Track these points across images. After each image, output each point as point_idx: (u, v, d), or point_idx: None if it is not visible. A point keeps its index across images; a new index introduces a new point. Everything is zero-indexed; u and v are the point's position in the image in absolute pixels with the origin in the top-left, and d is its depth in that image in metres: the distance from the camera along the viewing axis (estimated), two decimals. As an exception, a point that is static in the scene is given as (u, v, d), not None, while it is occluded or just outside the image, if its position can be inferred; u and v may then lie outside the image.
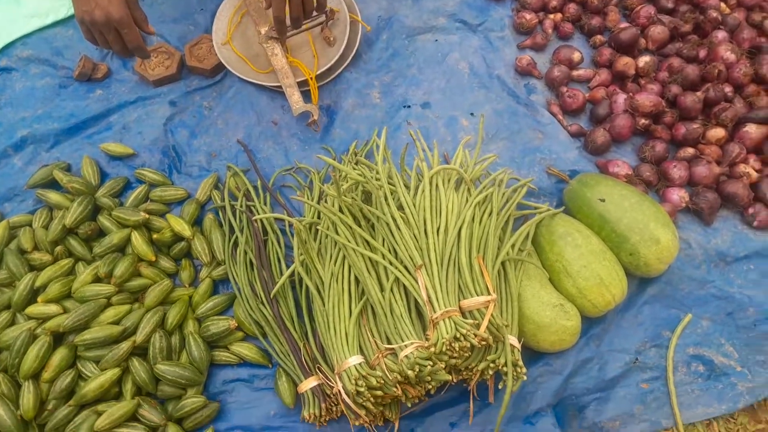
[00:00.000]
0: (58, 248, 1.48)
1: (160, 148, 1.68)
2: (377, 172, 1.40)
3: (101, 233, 1.53)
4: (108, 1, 1.29)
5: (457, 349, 1.15)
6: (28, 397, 1.30)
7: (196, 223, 1.57)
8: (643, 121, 1.65)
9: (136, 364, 1.34)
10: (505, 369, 1.19)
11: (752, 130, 1.60)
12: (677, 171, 1.58)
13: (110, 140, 1.69)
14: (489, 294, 1.23)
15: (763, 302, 1.48)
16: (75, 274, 1.46)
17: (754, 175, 1.57)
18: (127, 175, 1.64)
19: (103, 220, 1.51)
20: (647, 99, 1.64)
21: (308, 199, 1.51)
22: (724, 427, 1.42)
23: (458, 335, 1.15)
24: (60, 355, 1.33)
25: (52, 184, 1.60)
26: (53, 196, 1.55)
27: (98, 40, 1.37)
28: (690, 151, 1.62)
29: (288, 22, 1.56)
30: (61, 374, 1.33)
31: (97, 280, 1.43)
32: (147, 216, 1.51)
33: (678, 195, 1.56)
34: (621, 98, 1.68)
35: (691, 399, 1.42)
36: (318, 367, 1.33)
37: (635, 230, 1.40)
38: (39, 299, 1.40)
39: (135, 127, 1.71)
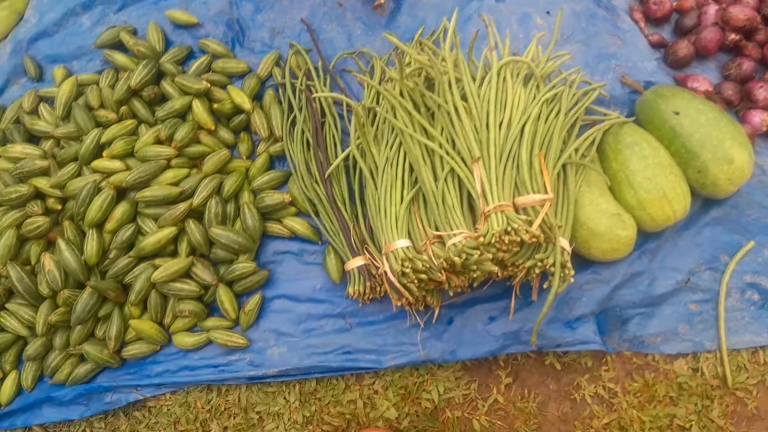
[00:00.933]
0: (123, 108, 1.51)
1: (224, 20, 1.66)
2: (443, 59, 1.35)
3: (164, 98, 1.55)
4: None
5: (507, 242, 1.14)
6: (91, 244, 1.37)
7: (257, 98, 1.57)
8: (733, 36, 1.53)
9: (192, 225, 1.39)
10: (552, 269, 1.19)
11: None
12: (763, 92, 1.47)
13: (176, 8, 1.68)
14: (546, 193, 1.21)
15: (833, 237, 1.41)
16: (138, 135, 1.49)
17: None
18: (191, 44, 1.64)
19: (166, 86, 1.53)
20: (741, 12, 1.51)
21: (369, 80, 1.48)
22: (768, 357, 1.40)
23: (509, 229, 1.14)
24: (122, 208, 1.39)
25: (119, 46, 1.62)
26: (119, 58, 1.56)
27: None
28: (780, 72, 1.51)
29: None
30: (122, 227, 1.39)
31: (158, 142, 1.47)
32: (209, 85, 1.51)
33: (760, 117, 1.46)
34: (712, 9, 1.56)
35: (740, 325, 1.39)
36: (366, 248, 1.35)
37: (708, 147, 1.33)
38: (104, 154, 1.44)
39: (201, -4, 1.69)
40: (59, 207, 1.42)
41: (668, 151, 1.38)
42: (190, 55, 1.63)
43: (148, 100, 1.52)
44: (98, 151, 1.46)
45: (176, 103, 1.49)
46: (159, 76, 1.56)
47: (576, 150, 1.34)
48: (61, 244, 1.35)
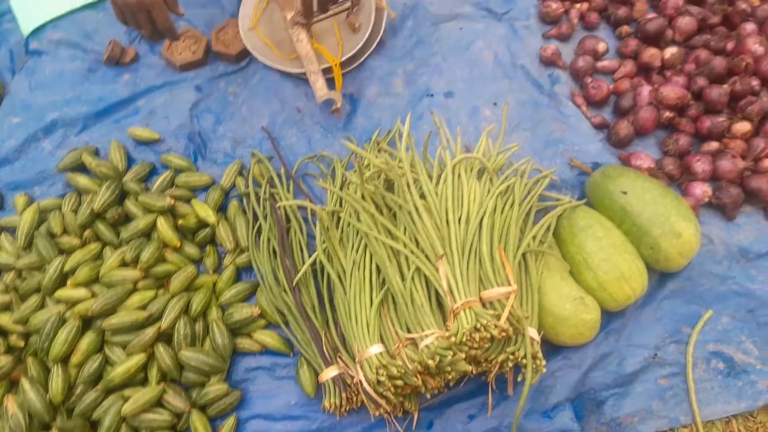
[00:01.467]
0: (87, 232, 1.52)
1: (185, 133, 1.70)
2: (400, 160, 1.41)
3: (128, 218, 1.56)
4: None
5: (477, 339, 1.17)
6: (56, 380, 1.33)
7: (221, 209, 1.59)
8: (667, 113, 1.64)
9: (161, 349, 1.37)
10: (524, 361, 1.21)
11: (780, 125, 1.58)
12: (701, 165, 1.56)
13: (137, 125, 1.72)
14: (510, 285, 1.24)
15: (785, 299, 1.47)
16: (102, 259, 1.49)
17: (780, 170, 1.55)
18: (153, 161, 1.67)
19: (130, 205, 1.54)
20: (672, 91, 1.62)
21: (331, 186, 1.53)
22: (744, 425, 1.42)
23: (478, 326, 1.16)
24: (88, 339, 1.37)
25: (81, 168, 1.64)
26: (82, 180, 1.58)
27: (129, 21, 1.40)
28: (714, 145, 1.61)
29: (315, 6, 1.56)
30: (89, 358, 1.37)
31: (123, 265, 1.46)
32: (173, 201, 1.53)
33: (701, 189, 1.55)
34: (646, 90, 1.67)
35: (710, 396, 1.42)
36: (339, 357, 1.35)
37: (657, 223, 1.39)
38: (69, 283, 1.43)
39: (161, 111, 1.73)
40: (22, 344, 1.40)
41: (621, 229, 1.45)
42: (153, 171, 1.66)
43: (112, 221, 1.53)
44: (62, 279, 1.45)
45: (140, 222, 1.50)
46: (122, 195, 1.57)
47: (534, 237, 1.39)
48: (25, 383, 1.31)
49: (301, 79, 1.76)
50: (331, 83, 1.70)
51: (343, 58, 1.71)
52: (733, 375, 1.43)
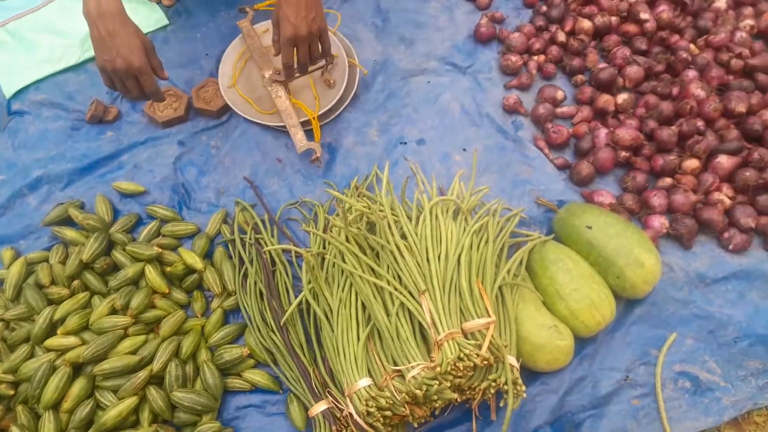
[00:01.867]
0: (75, 282, 1.55)
1: (170, 185, 1.77)
2: (380, 204, 1.49)
3: (116, 268, 1.60)
4: (129, 50, 1.39)
5: (461, 368, 1.24)
6: (48, 427, 1.34)
7: (207, 256, 1.65)
8: (623, 153, 1.78)
9: (153, 392, 1.40)
10: (505, 387, 1.28)
11: (724, 161, 1.73)
12: (657, 199, 1.69)
13: (122, 179, 1.77)
14: (489, 316, 1.32)
15: (742, 320, 1.58)
16: (92, 308, 1.52)
17: (728, 202, 1.69)
18: (139, 212, 1.72)
19: (118, 255, 1.59)
20: (627, 133, 1.77)
21: (315, 230, 1.60)
22: (712, 439, 1.51)
23: (462, 355, 1.23)
24: (79, 385, 1.39)
25: (67, 222, 1.68)
26: (69, 233, 1.62)
27: (117, 86, 1.47)
28: (668, 180, 1.74)
29: (296, 70, 1.67)
30: (80, 404, 1.38)
31: (113, 312, 1.50)
32: (160, 250, 1.58)
33: (659, 222, 1.67)
34: (602, 133, 1.81)
35: (679, 413, 1.50)
36: (328, 391, 1.39)
37: (621, 255, 1.50)
38: (59, 331, 1.45)
39: (145, 166, 1.80)
40: (12, 392, 1.41)
41: (588, 261, 1.55)
42: (139, 222, 1.71)
43: (100, 271, 1.56)
44: (51, 329, 1.48)
45: (129, 271, 1.54)
46: (110, 246, 1.61)
47: (508, 271, 1.48)
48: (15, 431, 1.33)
49: (281, 131, 1.86)
50: (309, 135, 1.80)
51: (320, 112, 1.82)
52: (699, 393, 1.51)
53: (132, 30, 1.41)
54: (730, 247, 1.66)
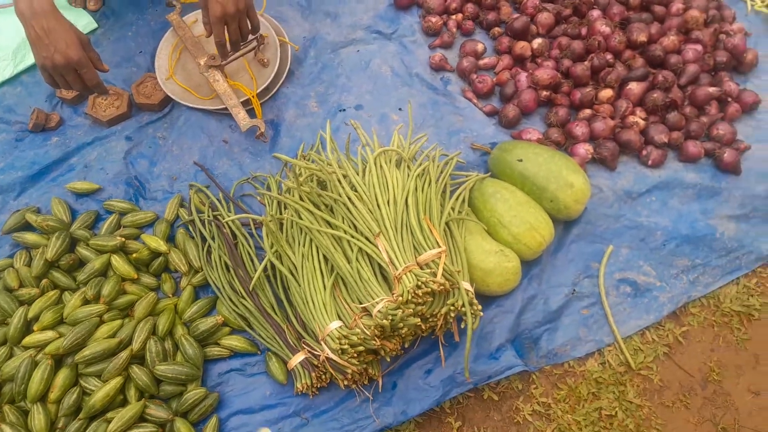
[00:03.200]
0: (44, 282, 1.59)
1: (123, 179, 1.82)
2: (328, 162, 1.59)
3: (81, 263, 1.64)
4: (65, 45, 1.44)
5: (420, 295, 1.35)
6: (38, 418, 1.40)
7: (169, 240, 1.71)
8: (544, 92, 1.92)
9: (136, 370, 1.46)
10: (464, 309, 1.40)
11: (634, 87, 1.89)
12: (580, 129, 1.84)
13: (75, 180, 1.81)
14: (439, 246, 1.44)
15: (667, 226, 1.75)
16: (63, 303, 1.57)
17: (642, 123, 1.86)
18: (97, 209, 1.77)
19: (82, 250, 1.63)
20: (545, 73, 1.91)
21: (268, 198, 1.68)
22: (656, 334, 1.67)
23: (419, 283, 1.35)
24: (63, 374, 1.44)
25: (26, 227, 1.71)
26: (30, 237, 1.66)
27: (59, 82, 1.52)
28: (587, 111, 1.90)
29: (228, 47, 1.75)
30: (66, 393, 1.43)
31: (86, 303, 1.55)
32: (123, 239, 1.63)
33: (584, 149, 1.82)
34: (523, 77, 1.95)
35: (624, 316, 1.66)
36: (303, 342, 1.49)
37: (551, 180, 1.64)
38: (34, 328, 1.50)
39: (96, 164, 1.84)
40: (-4, 394, 1.45)
41: (524, 191, 1.68)
42: (98, 218, 1.75)
43: (66, 268, 1.61)
44: (27, 328, 1.52)
45: (96, 263, 1.59)
46: (72, 244, 1.66)
47: (452, 208, 1.60)
48: (6, 429, 1.37)
49: (223, 114, 1.93)
50: (251, 113, 1.88)
51: (259, 90, 1.90)
52: (639, 295, 1.68)
53: (66, 26, 1.46)
54: (649, 162, 1.82)
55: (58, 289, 1.60)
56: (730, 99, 1.91)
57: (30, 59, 2.00)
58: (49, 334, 1.50)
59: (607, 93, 1.90)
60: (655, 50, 1.93)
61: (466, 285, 1.45)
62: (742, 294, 1.71)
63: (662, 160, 1.82)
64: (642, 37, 1.95)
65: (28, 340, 1.49)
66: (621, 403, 1.57)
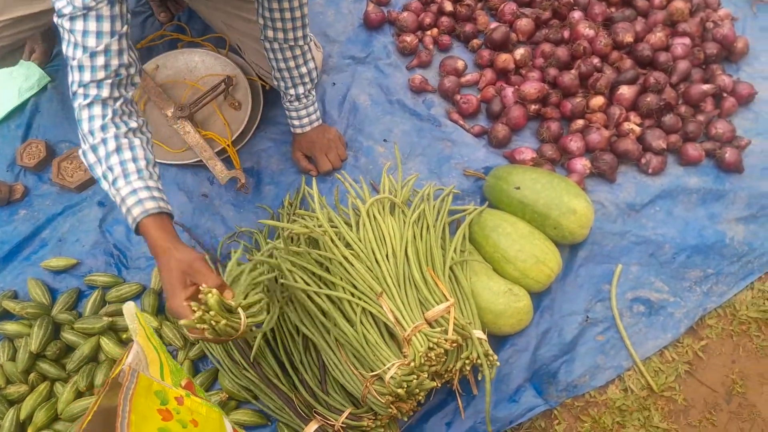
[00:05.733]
0: (32, 376, 1.49)
1: (101, 250, 1.71)
2: (317, 219, 1.50)
3: (69, 349, 1.55)
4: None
5: (434, 357, 1.28)
6: None
7: (159, 311, 1.62)
8: (533, 106, 1.84)
9: (142, 462, 1.38)
10: (479, 361, 1.33)
11: (626, 92, 1.82)
12: (574, 144, 1.77)
13: (50, 256, 1.70)
14: (447, 300, 1.36)
15: (674, 237, 1.69)
16: (56, 396, 1.48)
17: (638, 129, 1.78)
18: (77, 285, 1.66)
19: (67, 336, 1.54)
20: (531, 87, 1.83)
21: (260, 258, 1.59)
22: (675, 352, 1.62)
23: (431, 345, 1.27)
24: (65, 477, 1.36)
25: (5, 316, 1.61)
26: (10, 327, 1.55)
27: None
28: (580, 122, 1.82)
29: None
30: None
31: (79, 395, 1.46)
32: (110, 319, 1.54)
33: (581, 164, 1.75)
34: (509, 92, 1.86)
35: (640, 337, 1.60)
36: (314, 411, 1.41)
37: (553, 206, 1.57)
38: (29, 430, 1.41)
39: (71, 236, 1.73)
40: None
41: (524, 220, 1.61)
42: (81, 296, 1.65)
43: (53, 357, 1.51)
44: (21, 430, 1.43)
45: (84, 348, 1.50)
46: (57, 328, 1.56)
47: (455, 250, 1.52)
48: None
49: (199, 166, 1.82)
50: (229, 163, 1.77)
51: (234, 137, 1.79)
52: (654, 313, 1.62)
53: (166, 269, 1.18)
54: (649, 170, 1.75)
55: (48, 381, 1.50)
56: (725, 94, 1.84)
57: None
58: (45, 436, 1.41)
59: (598, 101, 1.82)
60: (643, 50, 1.85)
61: (478, 334, 1.38)
62: (758, 299, 1.66)
63: (662, 166, 1.76)
64: (628, 38, 1.86)
65: (23, 444, 1.41)
66: (648, 429, 1.52)
